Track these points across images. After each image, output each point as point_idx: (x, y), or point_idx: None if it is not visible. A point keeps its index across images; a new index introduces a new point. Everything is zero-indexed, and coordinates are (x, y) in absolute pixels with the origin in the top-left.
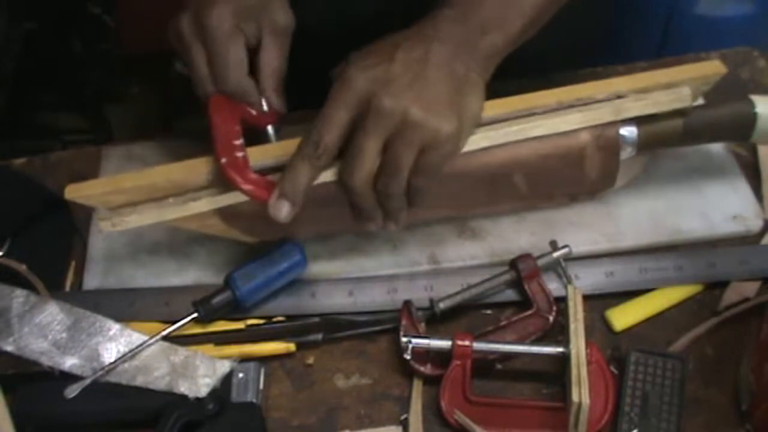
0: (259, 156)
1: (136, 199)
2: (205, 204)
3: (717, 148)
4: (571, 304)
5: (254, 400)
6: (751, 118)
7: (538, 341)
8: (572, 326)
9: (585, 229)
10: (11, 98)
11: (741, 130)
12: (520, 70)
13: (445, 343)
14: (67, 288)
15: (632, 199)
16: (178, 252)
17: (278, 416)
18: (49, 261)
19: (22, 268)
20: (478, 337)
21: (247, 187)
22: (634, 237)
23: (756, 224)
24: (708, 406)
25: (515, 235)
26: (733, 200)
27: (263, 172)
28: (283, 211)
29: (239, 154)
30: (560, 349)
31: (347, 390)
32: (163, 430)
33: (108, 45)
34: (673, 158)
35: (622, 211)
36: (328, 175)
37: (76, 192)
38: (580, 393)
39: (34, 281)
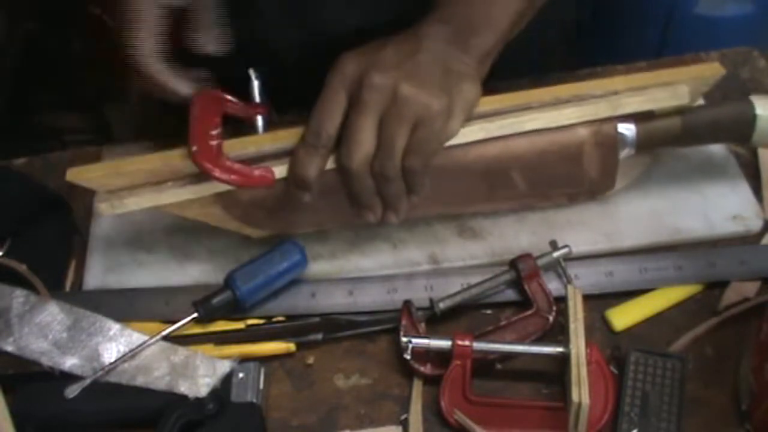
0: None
1: (136, 183)
2: (204, 188)
3: (717, 148)
4: (571, 304)
5: (254, 400)
6: (751, 119)
7: (538, 341)
8: (572, 326)
9: (585, 229)
10: (11, 98)
11: (740, 131)
12: (514, 71)
13: (445, 343)
14: (67, 288)
15: (632, 199)
16: (178, 252)
17: (278, 416)
18: (49, 261)
19: (22, 268)
20: (478, 337)
21: (220, 174)
22: (634, 237)
23: (756, 224)
24: (708, 406)
25: (515, 235)
26: (733, 200)
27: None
28: (304, 197)
29: (213, 143)
30: (560, 349)
31: (347, 390)
32: (163, 430)
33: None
34: (674, 158)
35: (622, 211)
36: (328, 164)
37: (77, 175)
38: (580, 393)
39: (34, 281)
